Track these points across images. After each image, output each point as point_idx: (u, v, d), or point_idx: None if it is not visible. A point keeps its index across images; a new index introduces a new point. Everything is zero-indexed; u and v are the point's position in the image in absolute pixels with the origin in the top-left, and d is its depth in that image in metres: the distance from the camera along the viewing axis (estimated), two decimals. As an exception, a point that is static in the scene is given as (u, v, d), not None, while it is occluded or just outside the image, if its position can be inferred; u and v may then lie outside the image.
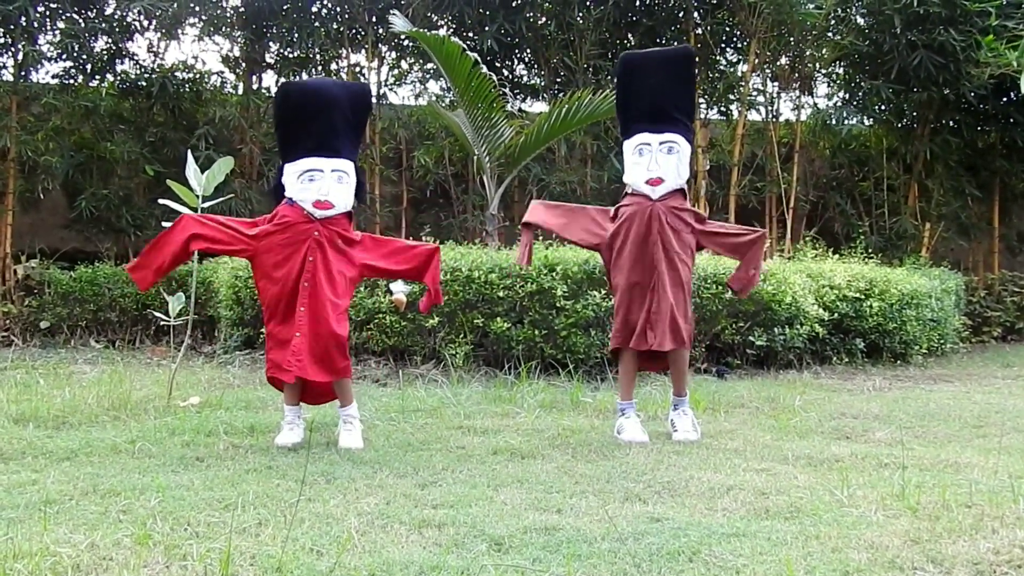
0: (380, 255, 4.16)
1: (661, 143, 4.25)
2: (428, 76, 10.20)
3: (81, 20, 8.93)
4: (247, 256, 4.12)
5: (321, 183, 3.98)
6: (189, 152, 5.48)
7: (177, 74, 9.28)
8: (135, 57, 9.39)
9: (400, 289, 4.53)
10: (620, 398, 4.41)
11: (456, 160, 9.86)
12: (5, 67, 8.87)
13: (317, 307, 3.94)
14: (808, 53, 10.20)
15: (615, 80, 4.49)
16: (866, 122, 10.45)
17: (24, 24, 8.57)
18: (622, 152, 4.45)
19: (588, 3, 9.61)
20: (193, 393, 5.28)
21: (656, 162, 4.25)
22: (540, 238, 7.35)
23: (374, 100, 9.20)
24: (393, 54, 10.31)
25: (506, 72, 10.08)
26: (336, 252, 4.02)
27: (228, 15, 9.59)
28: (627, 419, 4.32)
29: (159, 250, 3.99)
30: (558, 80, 9.89)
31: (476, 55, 7.26)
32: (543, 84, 10.12)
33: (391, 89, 10.34)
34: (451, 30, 9.27)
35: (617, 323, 4.31)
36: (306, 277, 3.95)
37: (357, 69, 10.10)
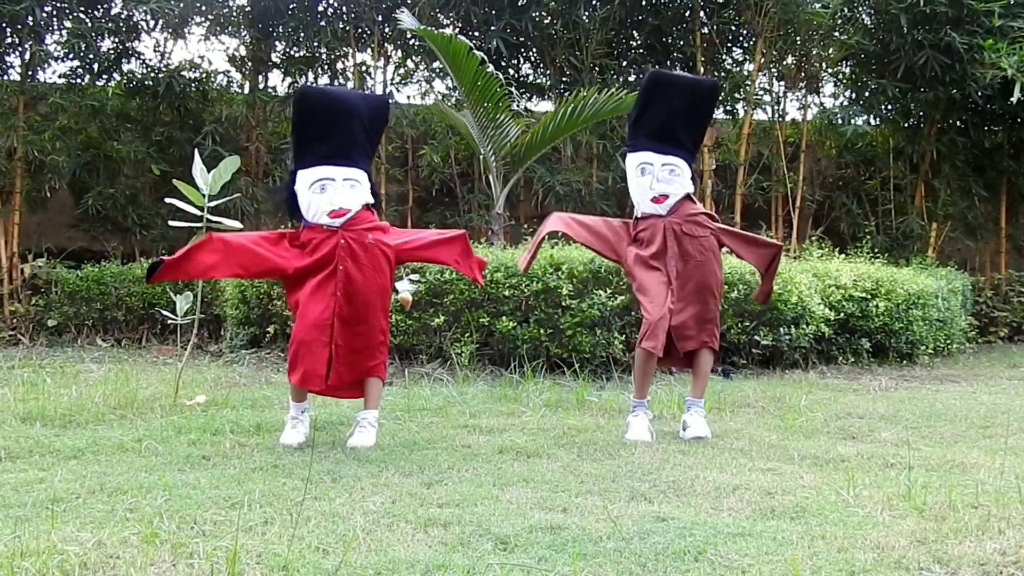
0: (410, 237, 4.27)
1: (663, 164, 4.36)
2: (434, 75, 10.20)
3: (88, 20, 8.94)
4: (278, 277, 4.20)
5: (333, 193, 3.98)
6: (195, 151, 5.49)
7: (183, 73, 9.29)
8: (142, 57, 9.40)
9: (406, 288, 4.54)
10: (634, 396, 4.42)
11: (462, 159, 9.85)
12: (12, 67, 8.90)
13: (353, 314, 3.96)
14: (814, 52, 10.17)
15: (639, 91, 4.54)
16: (872, 121, 10.42)
17: (31, 24, 8.59)
18: (626, 154, 4.58)
19: (594, 2, 9.61)
20: (199, 392, 5.29)
21: (657, 180, 4.35)
22: (548, 239, 7.33)
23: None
24: (399, 53, 10.31)
25: (512, 71, 10.07)
26: (366, 250, 4.01)
27: (234, 14, 9.60)
28: (635, 417, 4.33)
29: (184, 266, 3.90)
30: (564, 79, 9.88)
31: (482, 54, 7.26)
32: (549, 83, 10.10)
33: (397, 88, 10.36)
34: (457, 29, 9.26)
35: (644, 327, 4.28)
36: (338, 287, 3.95)
37: (363, 68, 10.12)
